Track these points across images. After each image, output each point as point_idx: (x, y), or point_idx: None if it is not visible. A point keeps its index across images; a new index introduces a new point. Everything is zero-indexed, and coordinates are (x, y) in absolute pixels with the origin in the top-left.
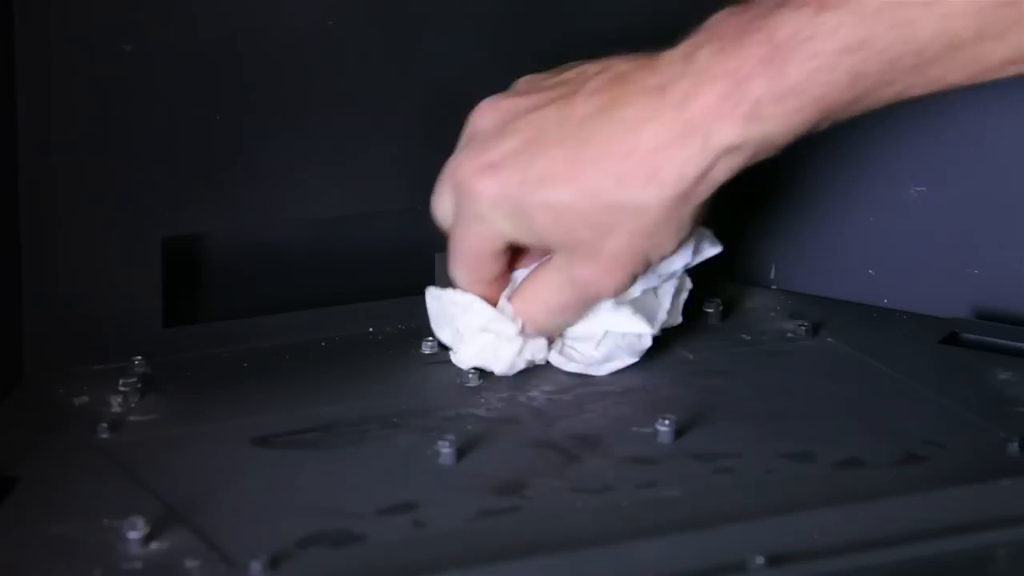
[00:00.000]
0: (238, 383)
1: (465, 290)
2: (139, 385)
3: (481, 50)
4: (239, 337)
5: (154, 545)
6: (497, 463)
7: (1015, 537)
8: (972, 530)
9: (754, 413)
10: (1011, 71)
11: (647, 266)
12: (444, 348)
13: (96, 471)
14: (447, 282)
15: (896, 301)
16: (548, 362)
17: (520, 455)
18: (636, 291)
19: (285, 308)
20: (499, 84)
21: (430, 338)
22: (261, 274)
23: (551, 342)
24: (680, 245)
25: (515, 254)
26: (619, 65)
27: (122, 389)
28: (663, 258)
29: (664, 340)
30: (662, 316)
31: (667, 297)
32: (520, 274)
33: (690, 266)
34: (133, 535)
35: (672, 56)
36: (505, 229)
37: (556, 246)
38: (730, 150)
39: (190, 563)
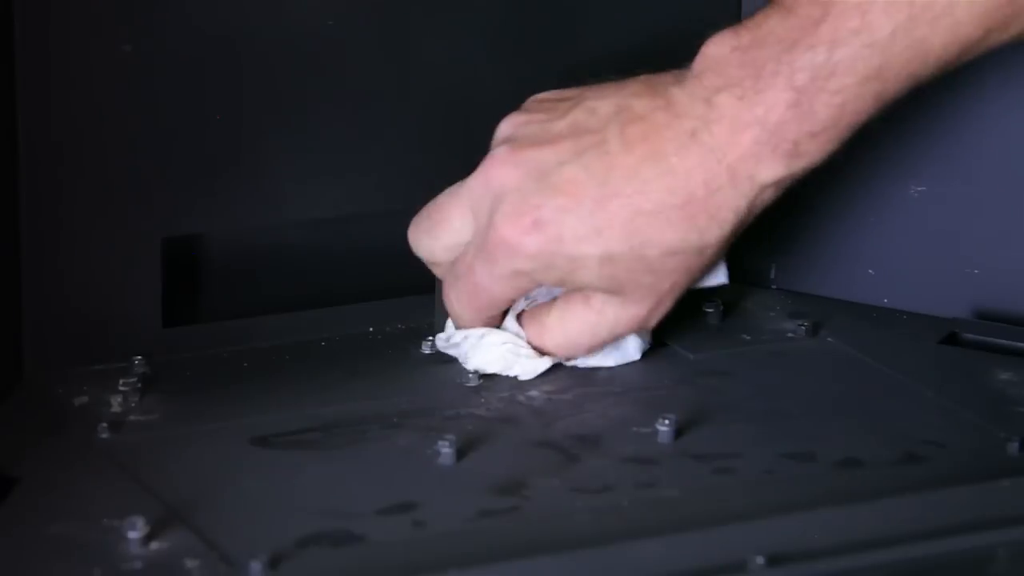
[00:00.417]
0: (238, 383)
1: (467, 326)
2: (139, 385)
3: (481, 49)
4: (239, 337)
5: (154, 545)
6: (497, 463)
7: (1015, 537)
8: (972, 530)
9: (754, 413)
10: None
11: None
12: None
13: (96, 471)
14: (445, 311)
15: (896, 301)
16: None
17: (520, 455)
18: None
19: (285, 308)
20: (499, 84)
21: (430, 338)
22: (261, 274)
23: None
24: None
25: None
26: (631, 103)
27: (122, 389)
28: None
29: (664, 340)
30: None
31: None
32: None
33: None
34: (133, 535)
35: (690, 97)
36: (540, 279)
37: (600, 290)
38: (775, 183)
39: (190, 563)
